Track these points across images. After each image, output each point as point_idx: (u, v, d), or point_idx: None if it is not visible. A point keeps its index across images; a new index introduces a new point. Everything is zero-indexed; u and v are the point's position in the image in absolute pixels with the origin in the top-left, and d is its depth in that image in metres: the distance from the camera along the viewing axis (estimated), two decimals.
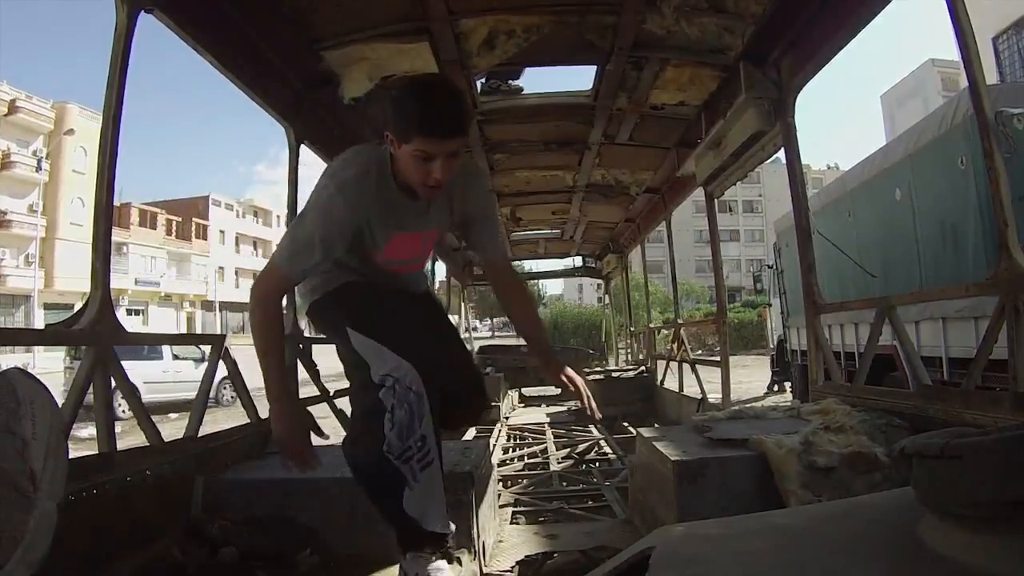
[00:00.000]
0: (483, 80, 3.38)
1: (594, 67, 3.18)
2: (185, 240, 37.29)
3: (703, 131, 3.53)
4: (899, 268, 4.82)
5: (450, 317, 1.89)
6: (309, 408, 1.65)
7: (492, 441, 4.68)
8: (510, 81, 3.49)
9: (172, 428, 4.51)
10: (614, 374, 6.98)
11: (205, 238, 38.69)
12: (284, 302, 1.58)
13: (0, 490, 0.96)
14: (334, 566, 1.73)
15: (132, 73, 1.76)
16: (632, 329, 8.53)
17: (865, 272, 5.08)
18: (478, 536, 1.84)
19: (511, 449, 4.74)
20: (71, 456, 1.18)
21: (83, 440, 3.09)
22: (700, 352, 12.25)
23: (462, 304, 9.00)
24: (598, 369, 7.74)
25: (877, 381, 4.02)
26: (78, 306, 1.72)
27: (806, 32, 2.51)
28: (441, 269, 8.13)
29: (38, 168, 26.75)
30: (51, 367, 11.14)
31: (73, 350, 9.84)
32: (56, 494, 1.03)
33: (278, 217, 40.96)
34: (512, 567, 1.96)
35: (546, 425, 5.36)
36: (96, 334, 1.64)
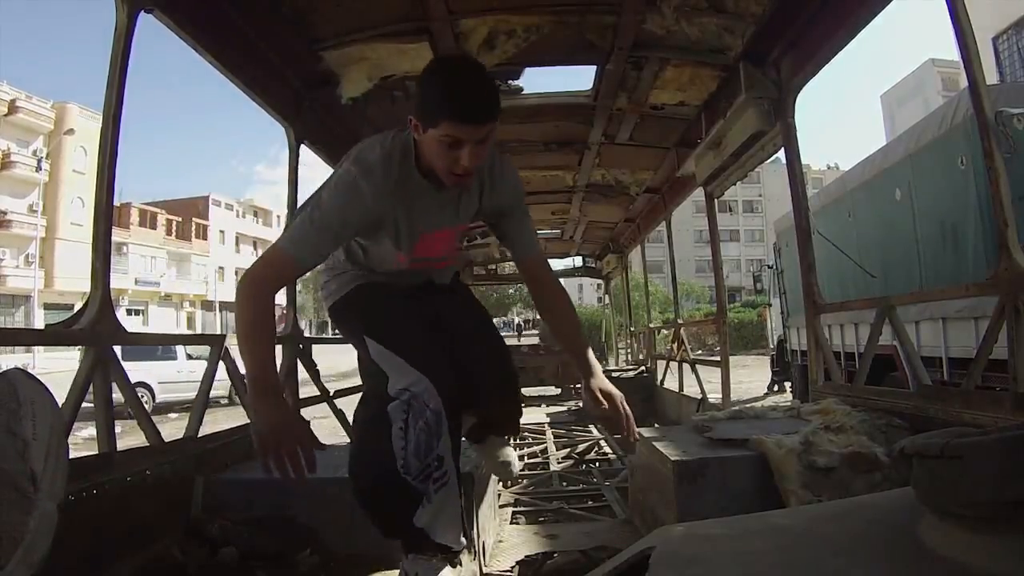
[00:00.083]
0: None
1: (594, 67, 3.18)
2: (185, 240, 37.29)
3: (703, 131, 3.53)
4: (899, 268, 4.82)
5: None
6: (309, 406, 1.63)
7: None
8: (510, 81, 3.49)
9: (172, 428, 4.51)
10: (614, 374, 6.98)
11: (205, 238, 38.70)
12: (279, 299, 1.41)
13: (1, 491, 0.96)
14: (334, 566, 1.73)
15: (132, 73, 1.76)
16: (632, 329, 8.53)
17: (865, 272, 5.08)
18: (478, 536, 1.84)
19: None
20: (71, 456, 1.18)
21: (83, 440, 3.09)
22: (700, 352, 12.26)
23: None
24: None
25: (877, 381, 4.02)
26: (78, 306, 1.72)
27: (806, 32, 2.51)
28: None
29: (38, 168, 26.75)
30: (51, 367, 11.14)
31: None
32: (56, 495, 1.03)
33: (278, 217, 40.94)
34: (512, 567, 1.96)
35: (546, 425, 5.35)
36: (96, 334, 1.64)
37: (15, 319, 26.32)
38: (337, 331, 1.64)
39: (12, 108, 26.33)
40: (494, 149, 1.41)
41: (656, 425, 4.84)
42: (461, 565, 1.54)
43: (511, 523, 2.66)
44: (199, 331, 28.12)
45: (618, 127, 3.90)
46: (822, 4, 2.36)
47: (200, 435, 2.06)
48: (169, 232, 36.36)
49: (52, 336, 1.93)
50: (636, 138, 4.08)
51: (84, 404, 1.60)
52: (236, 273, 39.98)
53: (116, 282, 6.72)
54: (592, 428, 5.21)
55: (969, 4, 1.78)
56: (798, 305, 5.73)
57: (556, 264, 9.75)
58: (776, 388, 9.72)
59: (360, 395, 1.53)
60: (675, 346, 5.68)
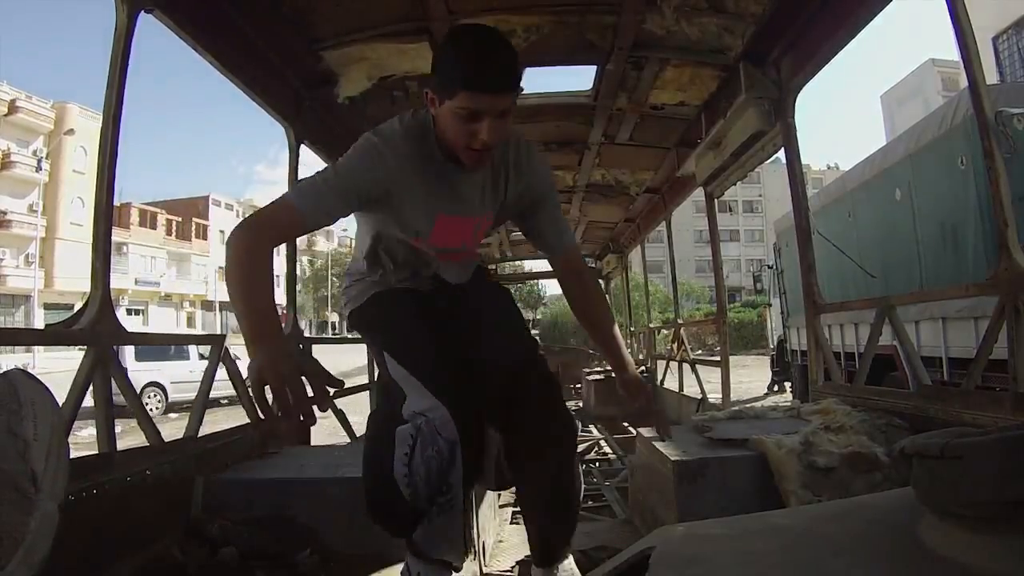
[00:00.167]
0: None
1: (594, 67, 3.18)
2: (185, 240, 37.30)
3: (703, 131, 3.53)
4: (899, 268, 4.82)
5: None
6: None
7: None
8: None
9: (172, 428, 4.51)
10: (614, 374, 6.98)
11: (205, 238, 38.70)
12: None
13: (1, 491, 0.96)
14: (334, 566, 1.73)
15: (132, 73, 1.76)
16: (632, 329, 8.53)
17: (865, 272, 5.08)
18: (478, 536, 1.84)
19: None
20: (71, 456, 1.18)
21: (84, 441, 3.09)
22: (700, 352, 12.26)
23: None
24: (598, 369, 7.73)
25: (877, 381, 4.03)
26: (78, 306, 1.72)
27: (806, 32, 2.51)
28: None
29: (38, 168, 26.76)
30: (51, 367, 11.15)
31: None
32: (57, 495, 1.03)
33: None
34: (512, 567, 1.96)
35: None
36: (96, 334, 1.64)
37: (15, 319, 26.32)
38: (336, 332, 1.58)
39: (12, 108, 26.34)
40: (519, 135, 1.35)
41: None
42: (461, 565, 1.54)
43: (511, 523, 2.66)
44: (199, 331, 28.12)
45: (618, 127, 3.90)
46: (822, 4, 2.36)
47: (200, 435, 2.06)
48: (169, 232, 36.37)
49: (52, 336, 1.93)
50: (636, 138, 4.08)
51: (84, 404, 1.60)
52: None
53: (116, 282, 6.73)
54: (592, 428, 5.21)
55: (969, 4, 1.78)
56: (798, 305, 5.73)
57: None
58: (776, 388, 9.72)
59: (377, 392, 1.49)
60: (675, 346, 5.68)
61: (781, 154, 3.02)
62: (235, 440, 2.21)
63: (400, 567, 1.46)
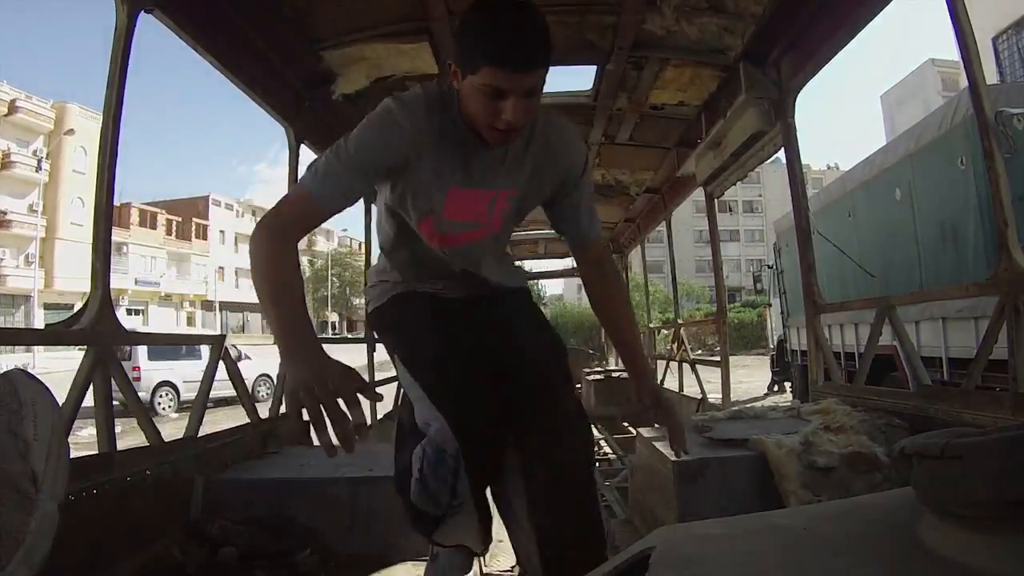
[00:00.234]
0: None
1: (594, 67, 3.18)
2: (185, 240, 37.30)
3: (703, 131, 3.53)
4: (899, 268, 4.82)
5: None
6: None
7: None
8: None
9: (172, 428, 4.51)
10: (614, 374, 6.98)
11: (205, 238, 38.70)
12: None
13: (2, 491, 0.96)
14: (334, 566, 1.73)
15: (132, 73, 1.77)
16: None
17: (865, 272, 5.08)
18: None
19: None
20: (72, 456, 1.18)
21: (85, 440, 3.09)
22: (700, 352, 12.26)
23: None
24: (598, 369, 7.74)
25: (877, 381, 4.02)
26: (78, 306, 1.72)
27: (806, 32, 2.51)
28: None
29: (38, 168, 26.76)
30: (51, 367, 11.16)
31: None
32: (57, 495, 1.03)
33: None
34: (512, 567, 1.96)
35: None
36: (96, 334, 1.65)
37: (15, 319, 26.32)
38: (336, 332, 1.52)
39: (12, 108, 26.33)
40: (549, 109, 1.24)
41: (656, 425, 4.84)
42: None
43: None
44: (199, 331, 28.12)
45: (618, 127, 3.90)
46: (822, 4, 2.36)
47: (200, 435, 2.06)
48: (169, 232, 36.37)
49: (52, 336, 1.93)
50: (636, 138, 4.08)
51: (84, 404, 1.60)
52: (236, 273, 40.04)
53: (116, 282, 6.74)
54: (592, 428, 5.21)
55: (969, 4, 1.78)
56: (798, 305, 5.73)
57: (556, 264, 9.75)
58: (776, 388, 9.72)
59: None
60: (675, 346, 5.69)
61: (781, 154, 3.02)
62: (235, 440, 2.22)
63: (400, 567, 1.46)
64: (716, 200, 4.26)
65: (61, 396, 1.36)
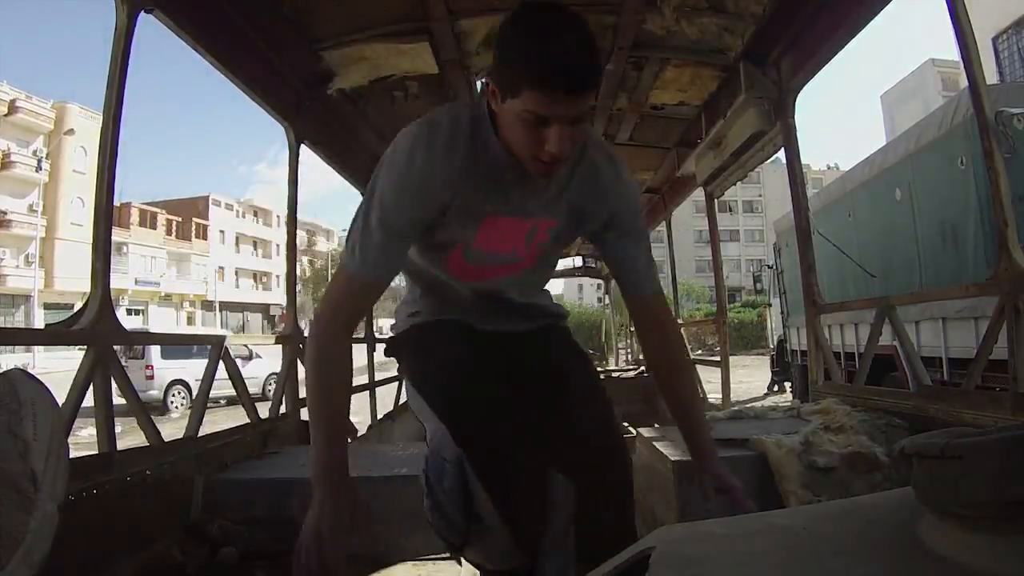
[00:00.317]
0: (483, 80, 3.39)
1: None
2: (185, 240, 37.30)
3: (703, 131, 3.53)
4: (899, 268, 4.82)
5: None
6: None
7: None
8: None
9: (172, 428, 4.52)
10: (614, 374, 6.99)
11: (205, 238, 38.70)
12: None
13: (1, 491, 0.96)
14: None
15: (132, 73, 1.76)
16: (632, 329, 8.54)
17: (865, 272, 5.08)
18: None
19: None
20: (71, 456, 1.18)
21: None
22: (700, 352, 12.26)
23: None
24: (598, 369, 7.74)
25: (877, 381, 4.02)
26: (78, 306, 1.72)
27: (806, 32, 2.51)
28: None
29: (38, 168, 26.76)
30: (51, 367, 11.17)
31: (128, 349, 10.21)
32: (57, 495, 1.03)
33: (278, 217, 40.95)
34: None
35: None
36: (96, 334, 1.64)
37: (15, 319, 26.32)
38: None
39: (12, 108, 26.32)
40: (600, 139, 1.13)
41: (656, 425, 4.84)
42: (461, 565, 1.54)
43: None
44: (198, 331, 28.09)
45: (618, 127, 3.90)
46: (822, 4, 2.36)
47: (200, 435, 2.06)
48: (169, 232, 36.36)
49: (52, 336, 1.93)
50: (636, 138, 4.08)
51: (84, 404, 1.60)
52: (236, 273, 40.10)
53: (116, 282, 6.75)
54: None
55: (969, 4, 1.78)
56: (798, 305, 5.73)
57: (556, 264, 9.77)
58: (776, 388, 9.72)
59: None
60: None
61: (781, 154, 3.02)
62: (235, 440, 2.22)
63: (400, 567, 1.46)
64: (716, 200, 4.26)
65: (61, 396, 1.36)
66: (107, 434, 1.65)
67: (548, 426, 1.10)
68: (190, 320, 36.05)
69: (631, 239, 1.16)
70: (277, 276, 40.43)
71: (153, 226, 34.97)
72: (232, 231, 41.32)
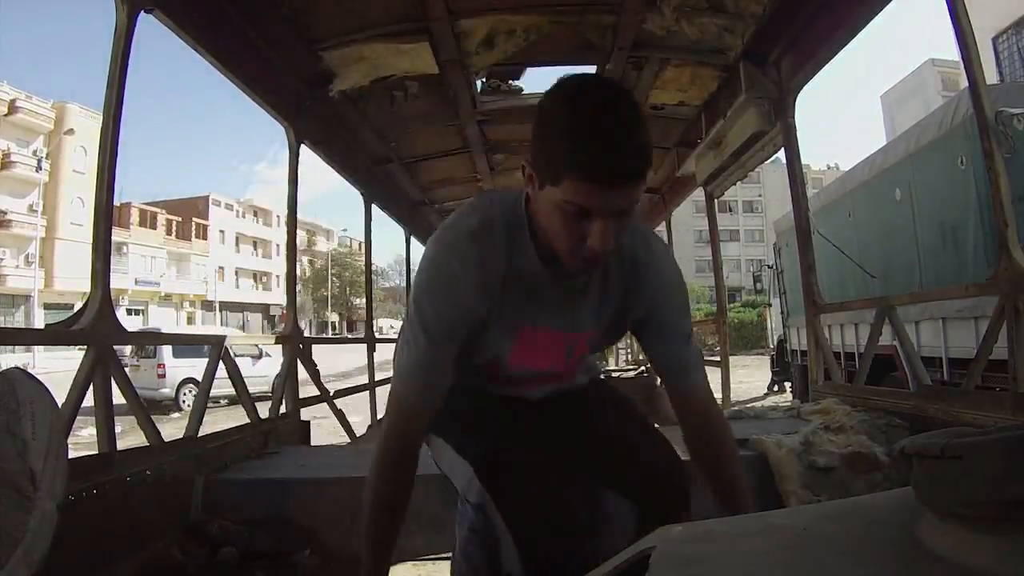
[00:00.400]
0: (483, 80, 3.39)
1: (594, 67, 3.18)
2: (185, 240, 37.30)
3: (703, 131, 3.53)
4: (899, 268, 4.82)
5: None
6: (310, 406, 1.52)
7: None
8: (511, 81, 3.50)
9: (172, 428, 4.52)
10: (614, 374, 6.99)
11: (205, 238, 38.71)
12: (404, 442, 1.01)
13: (1, 490, 0.96)
14: (334, 566, 1.73)
15: (132, 73, 1.77)
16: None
17: (865, 272, 5.08)
18: None
19: None
20: (71, 456, 1.18)
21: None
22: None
23: None
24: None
25: (877, 381, 4.02)
26: (78, 306, 1.72)
27: (806, 32, 2.51)
28: None
29: (38, 168, 26.76)
30: (51, 367, 11.18)
31: (140, 349, 10.37)
32: (56, 494, 1.03)
33: (278, 217, 40.95)
34: None
35: None
36: (96, 334, 1.64)
37: (15, 319, 26.32)
38: (336, 332, 1.33)
39: (12, 108, 26.33)
40: (642, 227, 1.02)
41: (656, 426, 4.84)
42: None
43: None
44: (198, 331, 28.09)
45: None
46: (822, 4, 2.36)
47: (200, 435, 2.06)
48: (169, 232, 36.37)
49: (52, 336, 1.93)
50: None
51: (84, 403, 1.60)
52: (236, 273, 40.12)
53: (116, 282, 6.75)
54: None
55: (969, 4, 1.78)
56: (798, 305, 5.73)
57: None
58: (776, 388, 9.72)
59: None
60: None
61: (781, 154, 3.02)
62: (235, 440, 2.22)
63: (400, 567, 1.46)
64: (716, 200, 4.26)
65: (61, 396, 1.36)
66: (107, 434, 1.65)
67: (602, 453, 1.06)
68: (190, 320, 36.05)
69: (676, 334, 1.05)
70: (277, 276, 40.45)
71: (153, 226, 34.98)
72: (232, 231, 41.32)
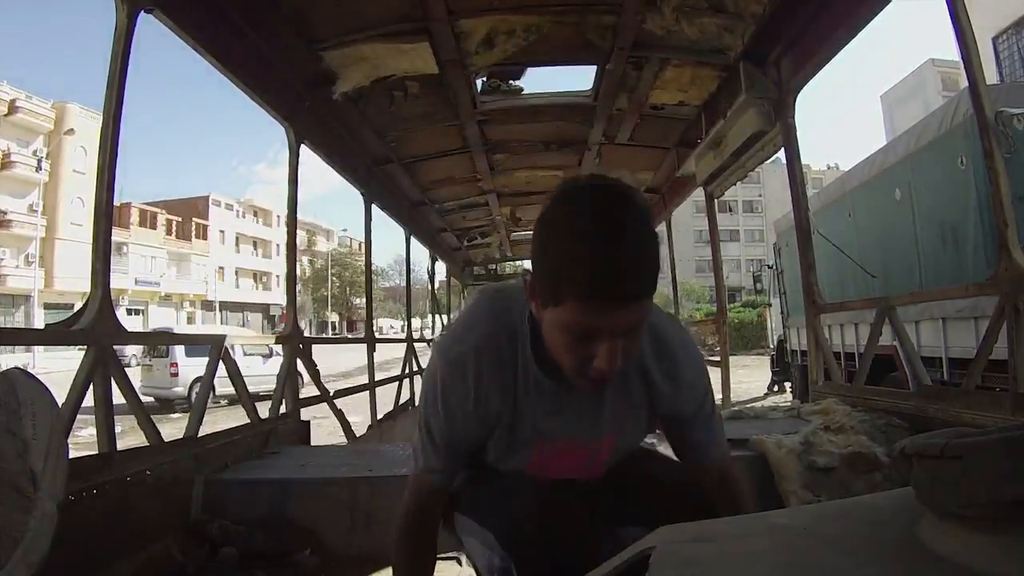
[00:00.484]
0: (483, 80, 3.39)
1: (594, 67, 3.19)
2: (185, 240, 37.31)
3: (703, 131, 3.53)
4: (899, 268, 4.82)
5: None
6: (310, 406, 1.54)
7: None
8: (511, 81, 3.50)
9: (172, 428, 4.52)
10: None
11: (205, 238, 38.71)
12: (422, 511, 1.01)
13: (1, 490, 0.96)
14: (334, 566, 1.73)
15: (132, 73, 1.77)
16: None
17: (865, 272, 5.08)
18: None
19: None
20: (71, 456, 1.18)
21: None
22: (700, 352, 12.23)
23: (462, 304, 9.00)
24: None
25: (877, 381, 4.02)
26: (78, 306, 1.72)
27: (806, 32, 2.51)
28: (441, 268, 8.13)
29: (38, 168, 26.77)
30: (51, 367, 11.17)
31: (152, 348, 10.41)
32: (56, 494, 1.03)
33: (278, 217, 40.96)
34: None
35: None
36: (96, 334, 1.64)
37: (15, 319, 26.32)
38: (336, 331, 1.32)
39: (12, 108, 26.34)
40: (661, 327, 0.95)
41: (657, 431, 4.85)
42: (461, 565, 1.54)
43: None
44: (198, 331, 28.05)
45: (618, 127, 3.90)
46: (822, 4, 2.37)
47: (200, 435, 2.06)
48: (169, 232, 36.38)
49: (52, 336, 1.93)
50: (636, 138, 4.08)
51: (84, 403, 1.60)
52: (236, 273, 40.11)
53: (116, 282, 6.75)
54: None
55: (969, 4, 1.78)
56: (798, 305, 5.73)
57: None
58: (776, 388, 9.72)
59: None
60: None
61: (781, 154, 3.02)
62: (235, 440, 2.22)
63: None
64: (716, 200, 4.26)
65: (61, 396, 1.36)
66: (107, 434, 1.66)
67: (628, 494, 1.04)
68: (190, 320, 36.05)
69: (699, 423, 1.01)
70: (277, 276, 40.45)
71: (153, 226, 34.98)
72: (232, 231, 41.32)
